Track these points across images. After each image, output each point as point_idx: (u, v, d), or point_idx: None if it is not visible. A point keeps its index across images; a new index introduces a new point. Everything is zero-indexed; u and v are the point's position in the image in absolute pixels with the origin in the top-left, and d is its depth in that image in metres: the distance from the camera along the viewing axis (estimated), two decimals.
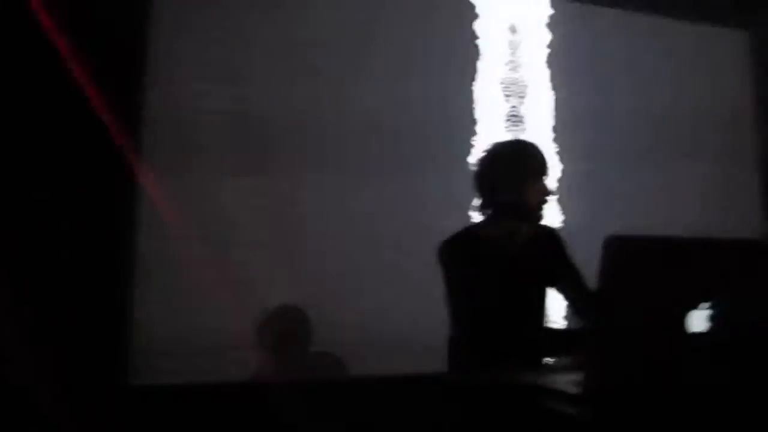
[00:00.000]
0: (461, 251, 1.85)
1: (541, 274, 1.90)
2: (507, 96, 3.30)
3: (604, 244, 1.09)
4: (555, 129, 3.35)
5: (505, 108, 3.28)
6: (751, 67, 3.84)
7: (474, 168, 1.93)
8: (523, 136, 3.27)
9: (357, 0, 3.08)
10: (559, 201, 3.15)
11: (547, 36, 3.42)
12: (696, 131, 3.59)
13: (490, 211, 1.89)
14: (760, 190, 3.76)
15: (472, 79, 3.23)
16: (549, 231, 1.97)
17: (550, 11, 3.45)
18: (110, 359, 2.45)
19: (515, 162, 1.84)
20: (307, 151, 2.89)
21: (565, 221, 3.18)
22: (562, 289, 1.95)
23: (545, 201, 1.85)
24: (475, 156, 3.14)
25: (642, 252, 1.11)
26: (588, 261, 1.99)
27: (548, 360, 1.81)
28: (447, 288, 1.85)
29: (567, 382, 1.25)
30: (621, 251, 1.10)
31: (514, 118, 3.28)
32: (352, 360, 2.72)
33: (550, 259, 1.92)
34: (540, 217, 1.87)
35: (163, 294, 2.60)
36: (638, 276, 1.10)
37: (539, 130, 3.33)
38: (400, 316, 2.85)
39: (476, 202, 1.93)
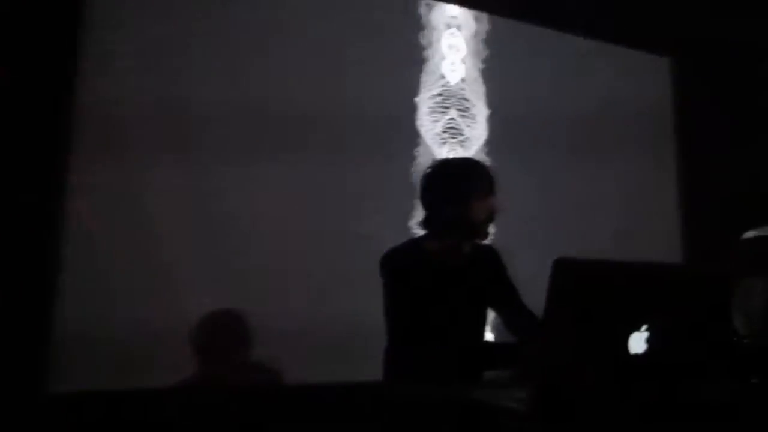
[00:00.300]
0: (404, 264, 1.85)
1: (481, 290, 1.93)
2: (446, 108, 3.35)
3: (552, 265, 1.13)
4: (489, 142, 3.43)
5: (443, 120, 3.33)
6: (671, 89, 4.07)
7: (420, 183, 1.95)
8: (460, 149, 3.35)
9: (304, 1, 3.06)
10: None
11: (484, 51, 3.51)
12: (621, 145, 3.78)
13: (434, 226, 1.91)
14: (677, 198, 3.99)
15: (415, 90, 3.26)
16: (489, 249, 2.01)
17: (488, 27, 3.53)
18: (29, 366, 2.33)
19: (462, 179, 1.86)
20: (239, 147, 2.82)
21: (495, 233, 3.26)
22: (499, 307, 2.00)
23: (491, 219, 1.88)
24: (416, 167, 3.19)
25: (588, 274, 1.16)
26: (518, 269, 2.08)
27: (486, 373, 1.84)
28: (387, 299, 1.86)
29: (510, 398, 1.28)
30: (568, 273, 1.14)
31: (453, 131, 3.34)
32: (288, 366, 2.70)
33: (490, 276, 1.97)
34: (485, 235, 1.89)
35: (88, 296, 2.47)
36: (584, 297, 1.14)
37: (475, 142, 3.41)
38: (336, 321, 2.84)
39: (420, 216, 1.95)
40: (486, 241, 1.99)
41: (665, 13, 3.68)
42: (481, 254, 1.98)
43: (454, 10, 3.44)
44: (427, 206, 1.91)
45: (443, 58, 3.38)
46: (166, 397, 2.48)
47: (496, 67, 3.50)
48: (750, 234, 2.29)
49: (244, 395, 2.53)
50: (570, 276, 1.13)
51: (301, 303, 2.78)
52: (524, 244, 3.04)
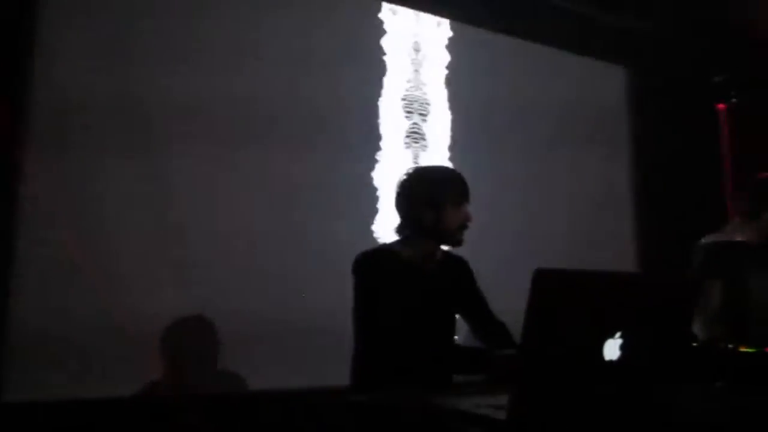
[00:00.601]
0: (377, 267, 1.86)
1: (451, 297, 1.95)
2: (409, 113, 3.37)
3: (532, 276, 1.15)
4: (451, 148, 3.46)
5: (406, 125, 3.35)
6: (626, 97, 4.20)
7: (396, 189, 1.95)
8: (423, 154, 3.37)
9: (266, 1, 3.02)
10: None
11: (446, 57, 3.54)
12: (578, 153, 3.87)
13: (408, 232, 1.91)
14: (632, 198, 4.10)
15: (378, 94, 3.27)
16: (460, 259, 2.04)
17: (450, 33, 3.56)
18: None
19: (437, 186, 1.88)
20: (197, 146, 2.75)
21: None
22: (468, 315, 2.02)
23: (464, 227, 1.90)
24: (379, 170, 3.20)
25: (566, 285, 1.18)
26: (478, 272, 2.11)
27: (457, 379, 1.85)
28: (358, 301, 1.85)
29: (485, 405, 1.29)
30: (547, 283, 1.16)
31: (416, 135, 3.36)
32: (252, 370, 2.66)
33: (460, 285, 1.99)
34: (458, 242, 1.91)
35: (43, 298, 2.38)
36: (562, 306, 1.16)
37: (438, 147, 3.43)
38: (299, 323, 2.82)
39: (385, 220, 1.97)
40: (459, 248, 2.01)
41: (621, 25, 3.78)
42: (453, 263, 2.01)
43: (417, 15, 3.46)
44: (402, 212, 1.92)
45: (406, 62, 3.39)
46: (129, 407, 2.40)
47: (458, 73, 3.53)
48: (706, 239, 2.37)
49: (209, 402, 2.47)
50: (549, 286, 1.15)
51: (261, 304, 2.74)
52: (484, 247, 3.08)
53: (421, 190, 1.88)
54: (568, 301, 1.17)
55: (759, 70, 3.90)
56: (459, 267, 2.03)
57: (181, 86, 2.73)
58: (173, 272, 2.62)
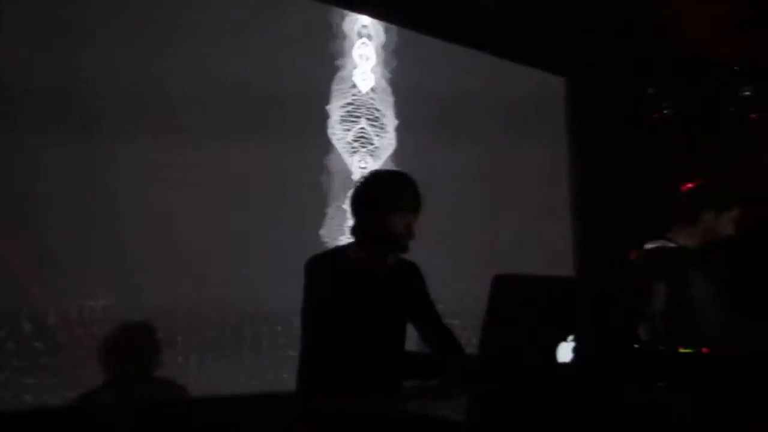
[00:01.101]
0: (328, 269, 1.87)
1: (402, 302, 1.96)
2: (356, 117, 3.37)
3: (492, 281, 1.17)
4: (396, 152, 3.49)
5: (353, 129, 3.35)
6: (565, 105, 4.34)
7: (352, 192, 1.96)
8: (370, 158, 3.38)
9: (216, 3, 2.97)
10: None
11: (393, 61, 3.56)
12: (518, 157, 3.98)
13: (358, 234, 1.92)
14: (571, 198, 4.25)
15: (327, 98, 3.26)
16: (411, 263, 2.05)
17: (397, 38, 3.59)
18: None
19: (386, 191, 1.89)
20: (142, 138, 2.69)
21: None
22: (417, 320, 2.03)
23: (411, 234, 1.90)
24: (327, 175, 3.19)
25: (524, 289, 1.21)
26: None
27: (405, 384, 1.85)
28: (307, 303, 1.84)
29: (443, 408, 1.31)
30: (506, 288, 1.19)
31: (363, 140, 3.36)
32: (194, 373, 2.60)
33: (411, 289, 2.00)
34: (403, 249, 1.92)
35: None
36: (520, 310, 1.20)
37: (385, 151, 3.45)
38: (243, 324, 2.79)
39: (350, 223, 1.97)
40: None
41: (562, 36, 3.90)
42: (404, 267, 2.02)
43: (366, 20, 3.47)
44: (353, 214, 1.94)
45: (354, 67, 3.40)
46: (69, 416, 2.31)
47: (405, 78, 3.56)
48: (650, 245, 2.46)
49: (150, 411, 2.40)
50: (507, 290, 1.18)
51: (203, 305, 2.71)
52: (429, 250, 3.12)
53: (371, 194, 1.90)
54: (525, 304, 1.21)
55: (689, 82, 4.11)
56: (410, 272, 2.04)
57: (131, 80, 2.67)
58: (111, 263, 2.54)
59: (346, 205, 2.60)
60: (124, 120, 2.65)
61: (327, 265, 1.88)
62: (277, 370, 2.83)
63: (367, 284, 1.88)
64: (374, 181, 1.95)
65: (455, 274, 3.36)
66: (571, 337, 1.26)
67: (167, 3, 2.86)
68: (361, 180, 1.97)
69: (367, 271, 1.90)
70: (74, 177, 2.54)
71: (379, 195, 1.88)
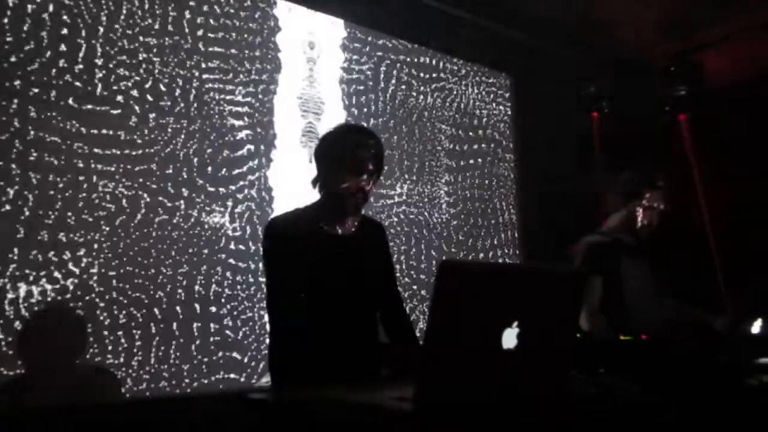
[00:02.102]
0: (291, 230, 1.76)
1: (374, 268, 1.88)
2: (305, 112, 3.34)
3: (437, 268, 1.17)
4: None
5: (301, 124, 3.32)
6: (510, 101, 4.42)
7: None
8: None
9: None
10: None
11: (341, 55, 3.55)
12: (468, 151, 4.03)
13: (317, 187, 1.85)
14: (516, 192, 4.33)
15: (273, 92, 3.22)
16: (379, 224, 1.98)
17: (344, 33, 3.58)
18: None
19: (335, 145, 1.81)
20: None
21: None
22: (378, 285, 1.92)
23: (362, 197, 1.78)
24: (274, 169, 3.15)
25: (469, 276, 1.22)
26: None
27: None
28: (271, 270, 1.76)
29: (392, 398, 1.30)
30: (452, 275, 1.19)
31: (311, 134, 3.34)
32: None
33: (377, 247, 1.92)
34: (352, 210, 1.81)
35: None
36: (465, 297, 1.20)
37: None
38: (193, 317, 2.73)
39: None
40: None
41: (508, 36, 3.97)
42: (371, 226, 1.94)
43: (313, 14, 3.44)
44: (317, 169, 1.86)
45: (301, 61, 3.36)
46: None
47: (352, 72, 3.56)
48: (587, 238, 2.55)
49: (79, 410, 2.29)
50: (453, 277, 1.18)
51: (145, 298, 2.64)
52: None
53: (319, 149, 1.84)
54: (470, 292, 1.21)
55: (625, 82, 4.25)
56: (376, 231, 1.95)
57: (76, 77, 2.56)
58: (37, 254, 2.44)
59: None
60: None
61: (289, 226, 1.77)
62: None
63: (335, 250, 1.78)
64: (327, 135, 1.87)
65: (405, 263, 3.38)
66: (515, 324, 1.28)
67: None
68: (328, 131, 1.89)
69: (333, 236, 1.81)
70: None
71: (324, 148, 1.82)
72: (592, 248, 2.47)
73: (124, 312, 2.58)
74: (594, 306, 2.31)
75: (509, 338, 1.27)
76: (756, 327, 2.26)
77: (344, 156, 1.76)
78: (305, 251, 1.72)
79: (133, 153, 2.72)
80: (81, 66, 2.64)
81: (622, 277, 2.19)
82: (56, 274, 2.46)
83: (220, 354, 2.81)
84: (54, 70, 2.57)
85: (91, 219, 2.57)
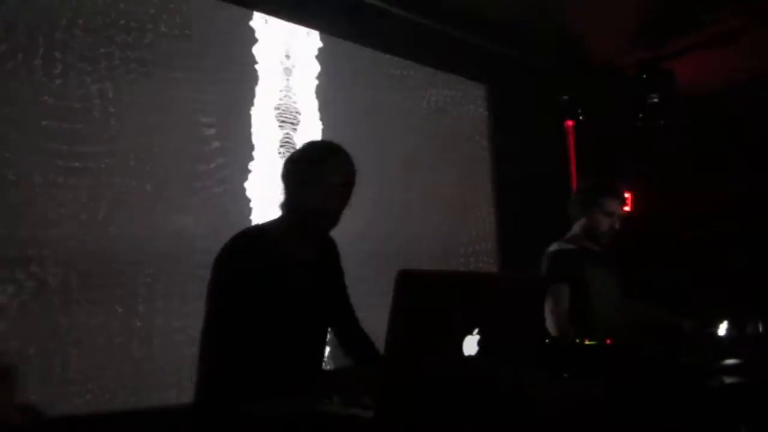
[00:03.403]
0: (250, 253, 1.66)
1: (330, 290, 1.84)
2: (282, 123, 3.37)
3: (396, 277, 1.20)
4: None
5: (279, 135, 3.34)
6: (487, 111, 4.47)
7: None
8: None
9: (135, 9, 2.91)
10: None
11: (317, 66, 3.57)
12: (444, 162, 4.07)
13: (286, 209, 1.79)
14: (493, 199, 4.38)
15: (251, 103, 3.24)
16: (332, 241, 1.92)
17: (320, 44, 3.61)
18: None
19: (303, 163, 1.76)
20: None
21: None
22: (332, 309, 1.89)
23: (330, 214, 1.73)
24: (251, 180, 3.17)
25: (428, 285, 1.25)
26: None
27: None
28: (220, 297, 1.63)
29: (355, 407, 1.33)
30: (410, 284, 1.22)
31: (288, 145, 3.36)
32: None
33: (334, 273, 1.90)
34: (321, 230, 1.77)
35: None
36: (424, 305, 1.23)
37: None
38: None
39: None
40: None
41: (482, 46, 4.03)
42: (328, 245, 1.90)
43: (288, 25, 3.47)
44: (285, 188, 1.78)
45: (278, 72, 3.39)
46: None
47: (328, 83, 3.58)
48: (552, 247, 2.60)
49: None
50: (412, 286, 1.21)
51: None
52: (357, 255, 3.16)
53: (286, 165, 1.78)
54: (430, 300, 1.24)
55: (600, 90, 4.32)
56: (332, 250, 1.91)
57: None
58: None
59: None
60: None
61: (248, 249, 1.67)
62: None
63: (291, 271, 1.70)
64: (296, 153, 1.82)
65: (380, 274, 3.40)
66: (476, 331, 1.31)
67: None
68: (294, 151, 1.85)
69: (292, 255, 1.72)
70: None
71: (294, 169, 1.75)
72: (557, 257, 2.52)
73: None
74: (561, 313, 2.36)
75: (470, 345, 1.31)
76: (722, 329, 2.31)
77: (315, 175, 1.71)
78: (265, 285, 1.62)
79: (102, 165, 2.72)
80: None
81: (588, 284, 2.24)
82: (18, 274, 2.45)
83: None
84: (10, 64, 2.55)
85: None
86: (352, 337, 1.92)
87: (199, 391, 1.58)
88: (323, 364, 1.87)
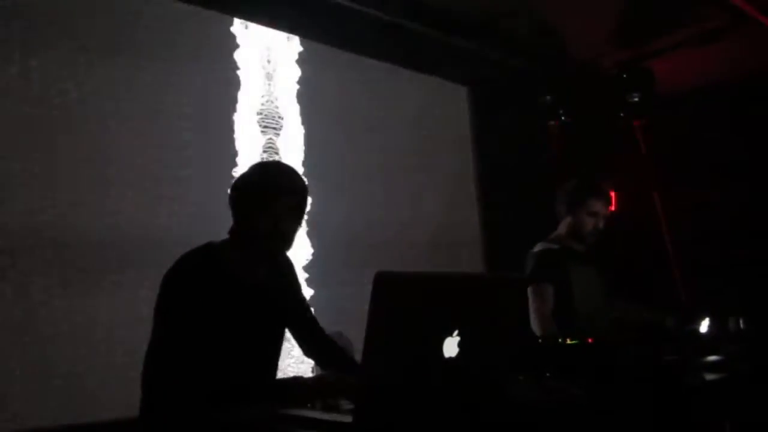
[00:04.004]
0: (199, 276, 1.60)
1: (279, 312, 1.80)
2: (264, 128, 3.36)
3: (374, 279, 1.20)
4: (304, 163, 3.49)
5: (262, 140, 3.33)
6: (469, 113, 4.48)
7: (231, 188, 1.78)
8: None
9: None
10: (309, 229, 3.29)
11: (297, 71, 3.57)
12: (427, 164, 4.07)
13: (238, 233, 1.72)
14: (477, 201, 4.40)
15: (233, 109, 3.23)
16: (286, 260, 1.88)
17: (300, 48, 3.60)
18: None
19: (246, 191, 1.69)
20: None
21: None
22: (295, 328, 1.89)
23: (282, 236, 1.67)
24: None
25: (406, 286, 1.24)
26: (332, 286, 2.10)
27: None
28: (173, 312, 1.56)
29: (334, 411, 1.32)
30: (388, 286, 1.22)
31: (270, 150, 3.35)
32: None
33: (287, 294, 1.86)
34: (272, 253, 1.74)
35: None
36: (403, 307, 1.22)
37: (292, 162, 3.44)
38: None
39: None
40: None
41: (464, 48, 4.04)
42: (282, 266, 1.86)
43: (268, 31, 3.46)
44: (235, 213, 1.72)
45: (259, 77, 3.38)
46: None
47: (309, 88, 3.58)
48: (536, 248, 2.61)
49: None
50: (389, 288, 1.21)
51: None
52: (336, 260, 3.16)
53: (238, 189, 1.71)
54: (408, 301, 1.24)
55: (581, 90, 4.35)
56: (287, 270, 1.87)
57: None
58: None
59: None
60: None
61: (198, 271, 1.61)
62: None
63: (241, 294, 1.65)
64: (245, 177, 1.74)
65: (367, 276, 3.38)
66: (456, 332, 1.30)
67: None
68: (241, 174, 1.77)
69: (241, 278, 1.67)
70: None
71: (243, 193, 1.68)
72: (541, 257, 2.53)
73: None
74: (546, 313, 2.36)
75: (451, 347, 1.30)
76: (704, 326, 2.32)
77: (266, 200, 1.64)
78: (215, 309, 1.56)
79: (82, 172, 2.70)
80: None
81: (572, 284, 2.24)
82: None
83: None
84: None
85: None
86: (318, 347, 1.90)
87: (145, 407, 1.52)
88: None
